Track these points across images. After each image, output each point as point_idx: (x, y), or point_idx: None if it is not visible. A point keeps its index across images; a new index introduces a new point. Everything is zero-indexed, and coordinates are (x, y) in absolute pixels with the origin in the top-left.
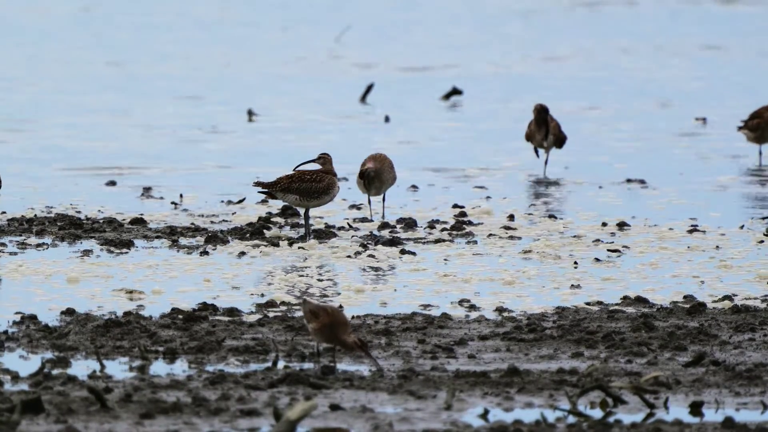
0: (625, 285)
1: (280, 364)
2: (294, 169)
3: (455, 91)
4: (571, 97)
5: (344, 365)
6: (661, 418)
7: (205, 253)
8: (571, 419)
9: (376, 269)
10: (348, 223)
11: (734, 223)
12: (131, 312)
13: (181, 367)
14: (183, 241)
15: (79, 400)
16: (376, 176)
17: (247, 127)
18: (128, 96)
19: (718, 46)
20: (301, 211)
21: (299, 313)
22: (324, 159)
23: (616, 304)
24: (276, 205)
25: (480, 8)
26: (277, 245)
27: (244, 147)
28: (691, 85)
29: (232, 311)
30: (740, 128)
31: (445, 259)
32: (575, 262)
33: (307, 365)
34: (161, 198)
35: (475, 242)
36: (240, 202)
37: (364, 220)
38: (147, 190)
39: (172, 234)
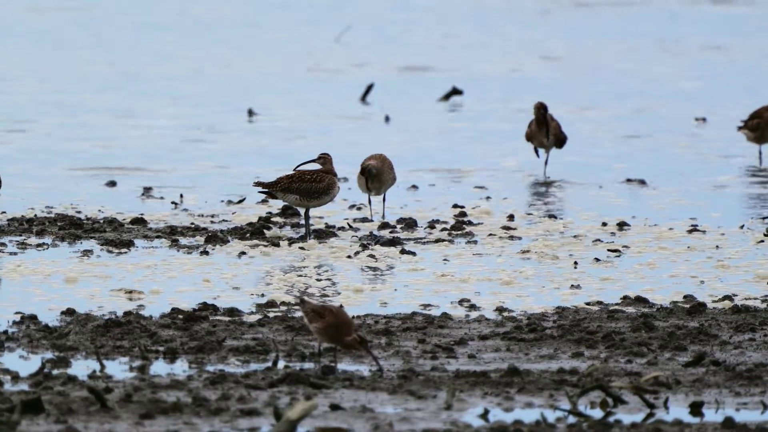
0: (624, 285)
1: (281, 364)
2: (294, 169)
3: (455, 91)
4: (571, 97)
5: (344, 365)
6: (661, 418)
7: (205, 253)
8: (572, 419)
9: (377, 269)
10: (348, 223)
11: (734, 223)
12: (131, 312)
13: (181, 367)
14: (183, 241)
15: (79, 400)
16: (376, 176)
17: (247, 127)
18: (128, 96)
19: (718, 46)
20: (302, 211)
21: (299, 313)
22: (324, 159)
23: (616, 304)
24: (276, 205)
25: (480, 8)
26: (278, 245)
27: (244, 147)
28: (691, 85)
29: (233, 311)
30: (740, 128)
31: (445, 259)
32: (575, 262)
33: (308, 365)
34: (161, 198)
35: (475, 242)
36: (240, 202)
37: (364, 220)
38: (147, 190)
39: (172, 234)
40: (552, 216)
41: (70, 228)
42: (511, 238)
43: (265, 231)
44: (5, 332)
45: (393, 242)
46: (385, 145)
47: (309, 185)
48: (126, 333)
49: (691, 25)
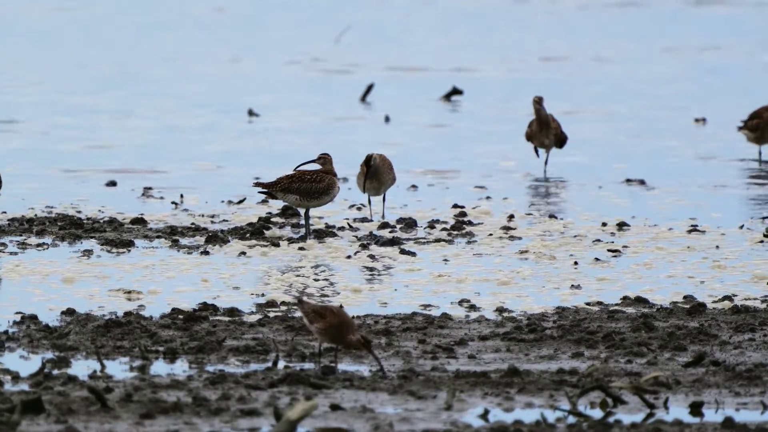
0: (622, 285)
1: (281, 364)
2: (294, 170)
3: (455, 91)
4: (571, 97)
5: (345, 365)
6: (661, 418)
7: (205, 253)
8: (571, 419)
9: (376, 269)
10: (348, 224)
11: (734, 223)
12: (132, 312)
13: (181, 367)
14: (183, 241)
15: (80, 400)
16: (375, 175)
17: (247, 127)
18: (128, 96)
19: (718, 46)
20: (302, 211)
21: (299, 314)
22: (324, 159)
23: (616, 305)
24: (276, 205)
25: (480, 8)
26: (278, 245)
27: (244, 147)
28: (691, 85)
29: (233, 311)
30: (740, 128)
31: (445, 260)
32: (575, 262)
33: (308, 365)
34: (162, 198)
35: (475, 242)
36: (240, 202)
37: (364, 220)
38: (147, 190)
39: (172, 234)
40: (552, 216)
41: (70, 228)
42: (511, 238)
43: (265, 231)
44: (5, 332)
45: (393, 242)
46: (385, 145)
47: (309, 185)
48: (126, 333)
49: (691, 26)
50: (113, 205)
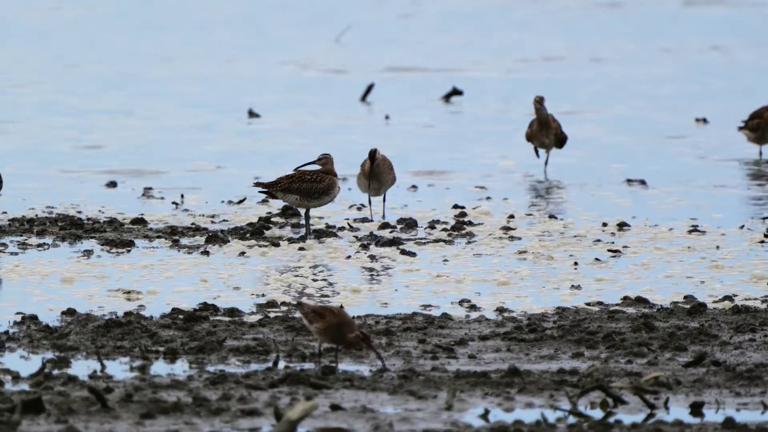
0: (621, 286)
1: (281, 364)
2: (294, 170)
3: (455, 92)
4: (571, 97)
5: (345, 365)
6: (661, 418)
7: (205, 253)
8: (572, 419)
9: (376, 270)
10: (348, 224)
11: (734, 223)
12: (132, 312)
13: (181, 367)
14: (184, 241)
15: (80, 400)
16: (376, 176)
17: (247, 128)
18: (129, 96)
19: (718, 46)
20: (302, 211)
21: (299, 314)
22: (325, 159)
23: (617, 305)
24: (276, 205)
25: (480, 8)
26: (278, 245)
27: (244, 147)
28: (691, 85)
29: (233, 311)
30: (740, 128)
31: (445, 260)
32: (575, 263)
33: (308, 365)
34: (162, 198)
35: (475, 242)
36: (240, 202)
37: (364, 220)
38: (148, 190)
39: (172, 234)
40: (552, 216)
41: (70, 228)
42: (511, 238)
43: (265, 231)
44: (6, 332)
45: (393, 242)
46: (385, 145)
47: (309, 185)
48: (126, 333)
49: (691, 26)
50: (113, 206)
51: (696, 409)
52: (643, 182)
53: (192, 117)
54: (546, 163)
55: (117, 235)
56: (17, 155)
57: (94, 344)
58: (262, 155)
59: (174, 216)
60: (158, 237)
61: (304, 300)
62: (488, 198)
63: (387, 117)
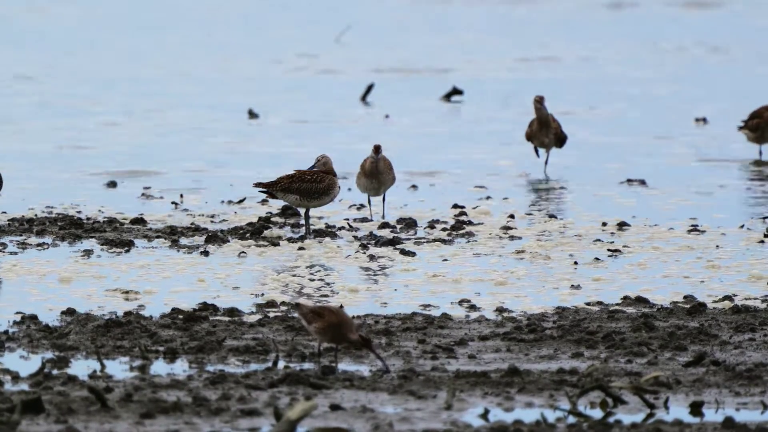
0: (619, 285)
1: (281, 364)
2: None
3: (456, 91)
4: (571, 98)
5: (344, 365)
6: (661, 418)
7: (205, 253)
8: (571, 419)
9: (376, 269)
10: (348, 223)
11: (734, 223)
12: (132, 312)
13: (181, 367)
14: (183, 241)
15: (80, 399)
16: (376, 176)
17: (247, 128)
18: (128, 96)
19: (718, 47)
20: (302, 210)
21: (298, 315)
22: (325, 161)
23: (617, 305)
24: (276, 205)
25: (480, 8)
26: (277, 245)
27: (244, 147)
28: (691, 85)
29: (233, 311)
30: (740, 128)
31: (445, 259)
32: (575, 262)
33: (308, 365)
34: (161, 198)
35: (475, 242)
36: (240, 202)
37: (364, 220)
38: (147, 190)
39: (172, 234)
40: (552, 216)
41: (70, 228)
42: (512, 238)
43: (264, 231)
44: (6, 332)
45: (393, 242)
46: (385, 145)
47: (309, 185)
48: (126, 333)
49: (691, 27)
50: (113, 206)
51: (696, 408)
52: (643, 182)
53: (192, 117)
54: (546, 162)
55: (116, 235)
56: (17, 155)
57: (93, 344)
58: (262, 155)
59: (174, 216)
60: (158, 237)
61: (302, 301)
62: (488, 198)
63: (387, 117)
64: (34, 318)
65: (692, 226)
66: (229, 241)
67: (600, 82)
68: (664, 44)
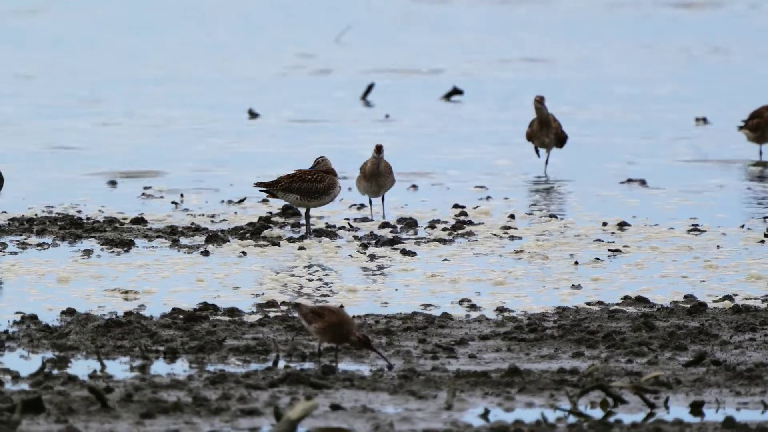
0: (618, 285)
1: (281, 364)
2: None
3: (456, 91)
4: (571, 98)
5: (345, 365)
6: (661, 417)
7: (205, 253)
8: (572, 419)
9: (376, 269)
10: (348, 223)
11: (734, 223)
12: (132, 312)
13: (181, 367)
14: (183, 240)
15: (80, 399)
16: (375, 178)
17: (247, 128)
18: (128, 96)
19: (718, 47)
20: (302, 210)
21: (297, 315)
22: (324, 162)
23: (617, 304)
24: (276, 204)
25: (479, 8)
26: (278, 245)
27: (244, 147)
28: (691, 85)
29: (233, 311)
30: (740, 128)
31: (445, 259)
32: (576, 262)
33: (308, 365)
34: (162, 198)
35: (476, 242)
36: (240, 202)
37: (364, 219)
38: (147, 190)
39: (172, 234)
40: (552, 216)
41: (70, 228)
42: (512, 238)
43: (265, 231)
44: (6, 332)
45: (393, 242)
46: (385, 145)
47: (309, 185)
48: (126, 333)
49: (691, 27)
50: (113, 205)
51: (696, 408)
52: (643, 182)
53: (192, 117)
54: (546, 162)
55: (117, 234)
56: (17, 155)
57: (94, 344)
58: (262, 155)
59: (174, 216)
60: (158, 237)
61: (302, 300)
62: (488, 198)
63: (387, 116)
64: (34, 318)
65: (692, 225)
66: (229, 241)
67: (600, 82)
68: (664, 44)
